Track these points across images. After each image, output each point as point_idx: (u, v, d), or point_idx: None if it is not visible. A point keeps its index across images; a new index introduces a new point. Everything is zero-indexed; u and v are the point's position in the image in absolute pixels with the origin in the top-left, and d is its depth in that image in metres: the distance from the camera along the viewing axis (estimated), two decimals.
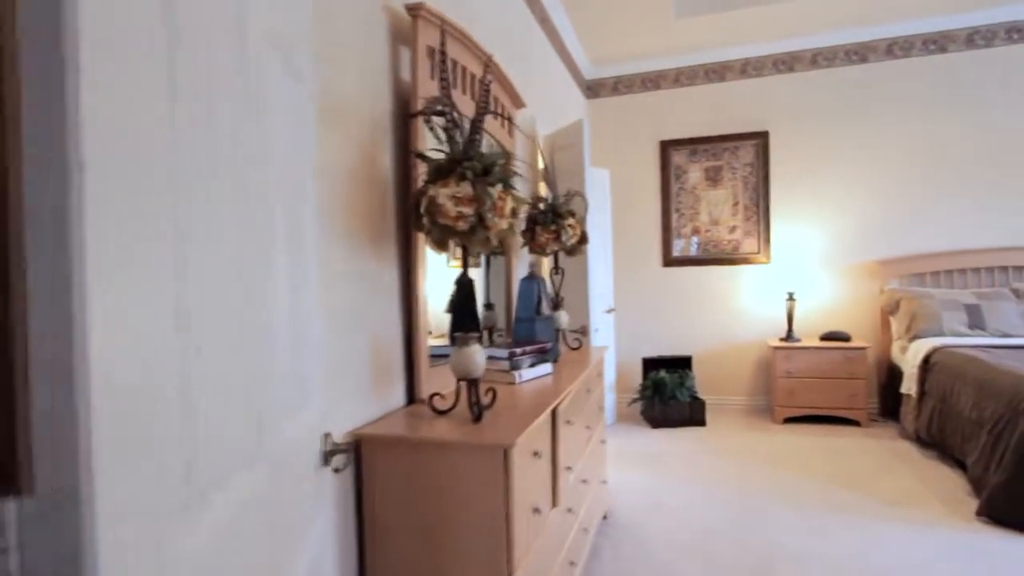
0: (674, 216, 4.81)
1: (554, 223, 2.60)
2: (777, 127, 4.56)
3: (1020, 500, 2.47)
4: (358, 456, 1.43)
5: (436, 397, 1.57)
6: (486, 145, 1.89)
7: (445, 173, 1.46)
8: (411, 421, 1.55)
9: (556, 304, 2.72)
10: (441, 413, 1.54)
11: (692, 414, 4.24)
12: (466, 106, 1.93)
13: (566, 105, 4.27)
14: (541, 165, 3.32)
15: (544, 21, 3.58)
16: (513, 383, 1.96)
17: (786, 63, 4.52)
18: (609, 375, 4.40)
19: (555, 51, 3.95)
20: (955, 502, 2.80)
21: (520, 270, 2.78)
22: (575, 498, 2.00)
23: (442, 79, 1.52)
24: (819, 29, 4.29)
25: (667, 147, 4.80)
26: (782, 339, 4.32)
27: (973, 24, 4.12)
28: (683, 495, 3.02)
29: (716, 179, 4.71)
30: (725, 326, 4.72)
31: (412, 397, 1.72)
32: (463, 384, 1.53)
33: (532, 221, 2.64)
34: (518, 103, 2.64)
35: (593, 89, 4.97)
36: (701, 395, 4.42)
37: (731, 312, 4.71)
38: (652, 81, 4.83)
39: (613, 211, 4.69)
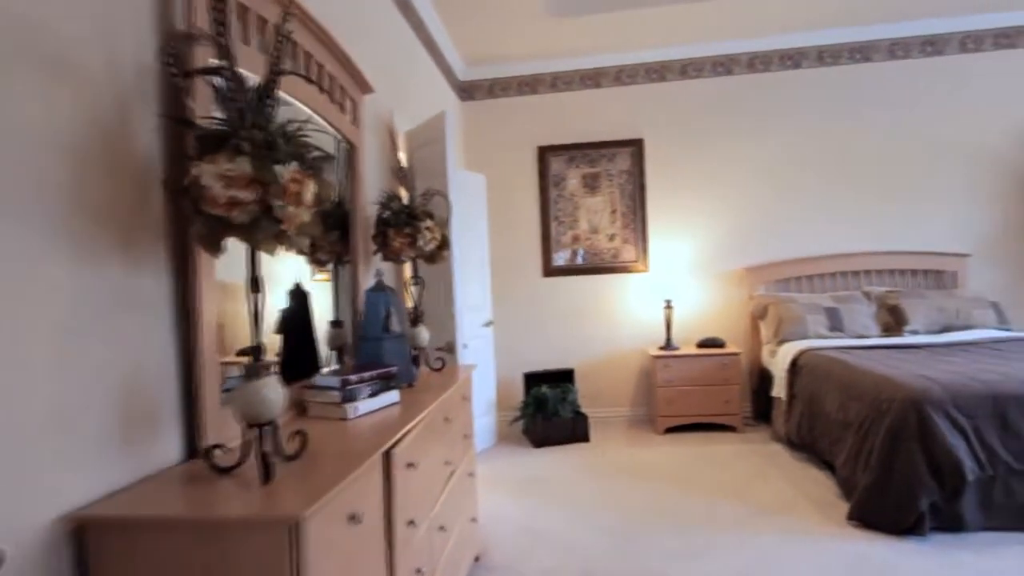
0: (554, 224, 4.65)
1: (409, 225, 2.26)
2: (651, 135, 4.56)
3: (887, 501, 2.46)
4: (82, 551, 0.99)
5: (217, 450, 1.16)
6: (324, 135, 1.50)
7: (214, 146, 1.07)
8: (176, 488, 1.12)
9: (415, 319, 2.37)
10: (223, 471, 1.14)
11: (575, 430, 4.05)
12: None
13: (439, 106, 3.96)
14: (404, 164, 2.98)
15: (406, 8, 3.26)
16: (346, 419, 1.58)
17: (657, 72, 4.53)
18: (488, 394, 4.11)
19: (423, 46, 3.64)
20: (828, 506, 2.79)
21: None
22: (427, 555, 1.65)
23: (218, 24, 1.14)
24: (687, 39, 4.34)
25: (545, 153, 4.64)
26: (661, 347, 4.27)
27: (821, 43, 4.35)
28: (564, 524, 2.77)
29: (594, 186, 4.62)
30: (607, 336, 4.62)
31: (194, 449, 1.29)
32: (256, 430, 1.13)
33: (383, 223, 2.29)
34: (364, 87, 2.28)
35: (468, 91, 4.72)
36: (584, 409, 4.25)
37: (612, 322, 4.61)
38: (529, 85, 4.66)
39: (491, 218, 4.44)
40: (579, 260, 4.64)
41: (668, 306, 4.29)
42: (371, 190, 2.39)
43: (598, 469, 3.52)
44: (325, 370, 1.95)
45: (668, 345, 4.26)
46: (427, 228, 2.28)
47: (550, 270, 4.65)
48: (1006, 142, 4.26)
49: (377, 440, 1.36)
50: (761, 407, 4.22)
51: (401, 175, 2.36)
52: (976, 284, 4.26)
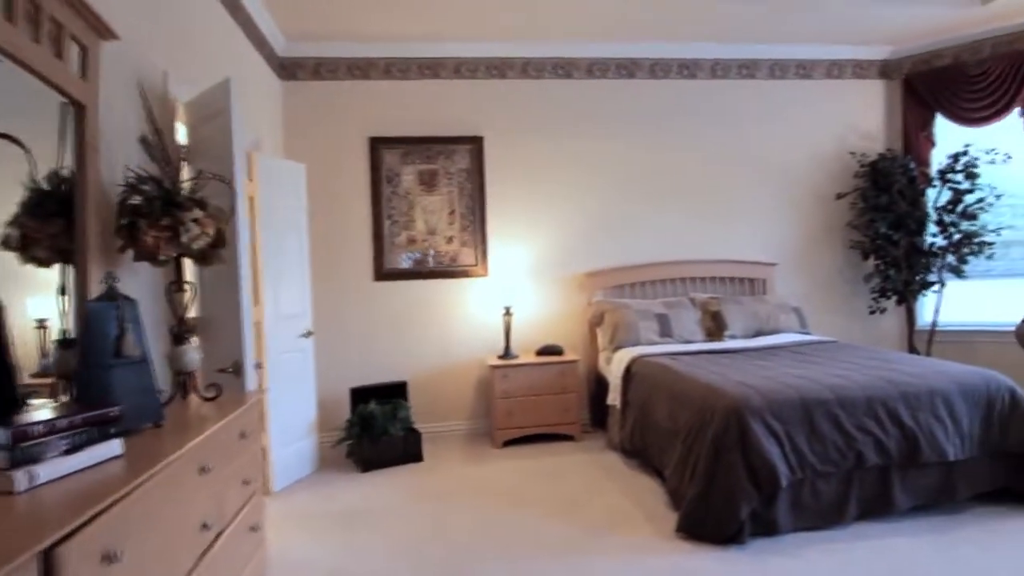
0: (387, 223, 4.25)
1: (168, 216, 1.75)
2: (491, 133, 4.35)
3: (713, 513, 2.44)
4: None
5: None
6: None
7: None
8: None
9: (180, 335, 1.86)
10: None
11: (407, 449, 3.69)
12: None
13: (247, 80, 3.38)
14: (184, 141, 2.41)
15: None
16: (13, 492, 1.07)
17: (498, 68, 4.34)
18: (307, 415, 3.60)
19: (223, 5, 3.05)
20: (658, 518, 2.73)
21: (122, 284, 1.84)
22: None
23: None
24: (529, 36, 4.20)
25: (378, 145, 4.23)
26: (500, 356, 4.07)
27: (654, 56, 4.47)
28: (382, 564, 2.41)
29: (432, 184, 4.30)
30: (444, 346, 4.32)
31: None
32: None
33: (133, 212, 1.75)
34: (102, 31, 1.72)
35: (289, 69, 4.14)
36: (418, 425, 3.90)
37: (450, 330, 4.32)
38: (360, 69, 4.21)
39: (313, 215, 3.92)
40: (415, 263, 4.29)
41: (507, 313, 4.10)
42: (116, 168, 1.83)
43: (429, 492, 3.19)
44: (35, 411, 1.38)
45: (507, 354, 4.07)
46: (195, 220, 1.78)
47: (382, 274, 4.24)
48: (807, 163, 4.71)
49: (35, 529, 0.90)
50: (599, 414, 4.20)
51: (151, 152, 1.83)
52: (782, 291, 4.64)
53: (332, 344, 4.14)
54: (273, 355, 3.28)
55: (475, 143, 4.31)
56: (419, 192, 4.28)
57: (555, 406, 3.97)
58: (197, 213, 1.79)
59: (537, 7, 3.72)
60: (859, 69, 4.74)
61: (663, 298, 4.34)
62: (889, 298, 4.50)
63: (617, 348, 3.92)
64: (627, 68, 4.48)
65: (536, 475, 3.40)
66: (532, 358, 4.05)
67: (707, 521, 2.45)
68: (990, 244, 4.22)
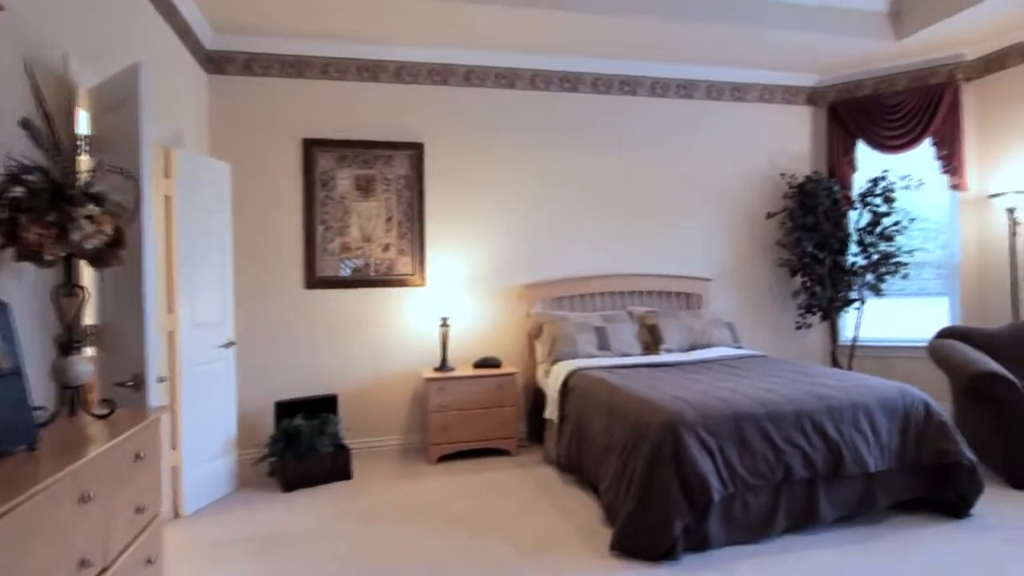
0: (320, 229, 4.06)
1: (55, 211, 1.56)
2: (432, 140, 4.26)
3: (648, 529, 2.41)
4: None
5: None
6: None
7: None
8: None
9: (68, 345, 1.66)
10: None
11: (335, 467, 3.50)
12: None
13: (167, 71, 3.16)
14: (88, 131, 2.20)
15: None
16: None
17: (440, 75, 4.26)
18: (226, 430, 3.36)
19: None
20: (593, 535, 2.68)
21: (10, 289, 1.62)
22: None
23: None
24: (472, 45, 4.15)
25: (312, 147, 4.05)
26: (436, 369, 3.95)
27: (596, 71, 4.51)
28: None
29: (368, 190, 4.15)
30: (378, 358, 4.16)
31: None
32: None
33: (12, 205, 1.55)
34: None
35: (217, 63, 3.92)
36: (348, 441, 3.72)
37: (385, 341, 4.17)
38: (294, 67, 4.03)
39: (237, 218, 3.70)
40: (349, 271, 4.12)
41: (445, 324, 3.99)
42: None
43: (357, 512, 3.03)
44: None
45: (443, 366, 3.95)
46: (88, 217, 1.60)
47: (314, 281, 4.04)
48: (740, 183, 4.86)
49: None
50: (537, 428, 4.13)
51: (47, 137, 1.64)
52: (716, 306, 4.75)
53: (257, 355, 3.91)
54: (188, 367, 3.04)
55: (415, 149, 4.20)
56: (355, 197, 4.13)
57: (492, 420, 3.88)
58: (92, 209, 1.61)
59: (481, 17, 3.67)
60: (789, 95, 4.95)
61: (602, 311, 4.35)
62: (815, 314, 4.69)
63: (556, 361, 3.88)
64: (570, 81, 4.50)
65: (470, 492, 3.29)
66: (469, 371, 3.95)
67: (641, 538, 2.42)
68: (905, 264, 4.47)
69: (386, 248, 4.17)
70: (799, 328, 4.79)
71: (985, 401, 3.14)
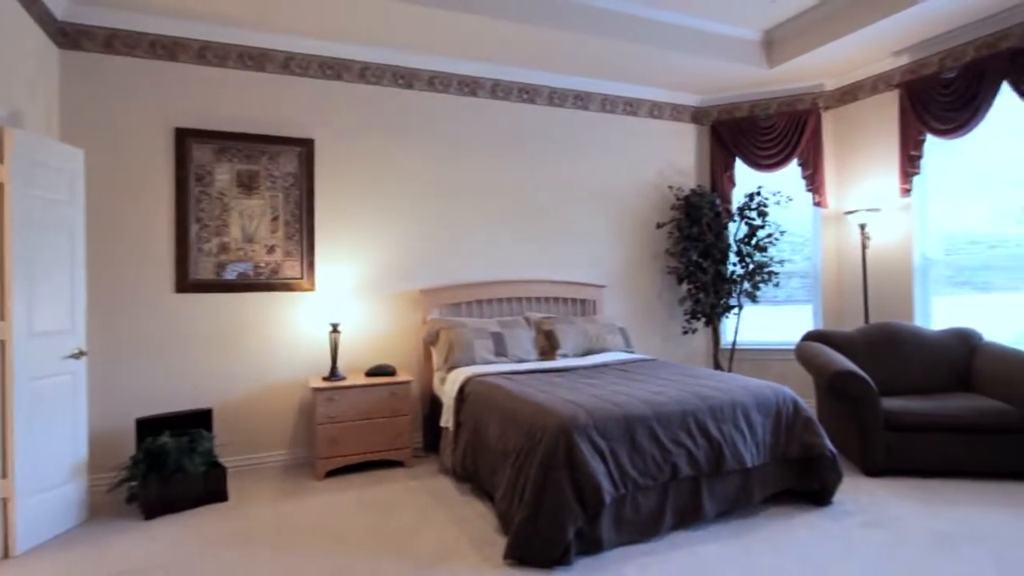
0: (195, 227, 3.71)
1: None
2: (324, 137, 4.04)
3: (541, 535, 2.38)
4: None
5: None
6: None
7: None
8: None
9: None
10: None
11: (208, 488, 3.18)
12: None
13: (5, 42, 2.74)
14: None
15: None
16: None
17: (333, 69, 4.06)
18: (76, 452, 2.94)
19: None
20: (487, 545, 2.62)
21: None
22: None
23: None
24: (368, 41, 3.99)
25: (186, 137, 3.69)
26: (325, 378, 3.73)
27: (495, 76, 4.51)
28: None
29: (252, 187, 3.85)
30: (261, 368, 3.85)
31: None
32: None
33: None
34: None
35: (72, 37, 3.47)
36: (224, 459, 3.41)
37: (269, 350, 3.87)
38: (167, 48, 3.66)
39: (94, 212, 3.30)
40: (228, 274, 3.79)
41: (335, 330, 3.78)
42: None
43: (233, 537, 2.75)
44: None
45: (333, 375, 3.73)
46: None
47: (186, 284, 3.68)
48: (632, 193, 5.06)
49: None
50: (433, 438, 4.02)
51: None
52: (609, 312, 4.90)
53: (115, 367, 3.48)
54: (23, 381, 2.63)
55: (305, 146, 3.97)
56: (236, 194, 3.81)
57: (385, 431, 3.72)
58: None
59: (378, 12, 3.54)
60: (676, 112, 5.23)
61: (499, 317, 4.33)
62: (699, 319, 4.96)
63: (452, 368, 3.80)
64: (469, 86, 4.46)
65: (361, 507, 3.11)
66: (361, 379, 3.76)
67: (535, 545, 2.39)
68: (776, 274, 4.85)
69: (271, 250, 3.89)
70: (685, 333, 5.05)
71: (843, 397, 3.45)
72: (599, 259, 4.93)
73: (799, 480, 3.03)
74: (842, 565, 2.39)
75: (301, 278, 3.95)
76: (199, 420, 3.45)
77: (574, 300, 4.72)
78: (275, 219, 3.90)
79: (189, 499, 3.12)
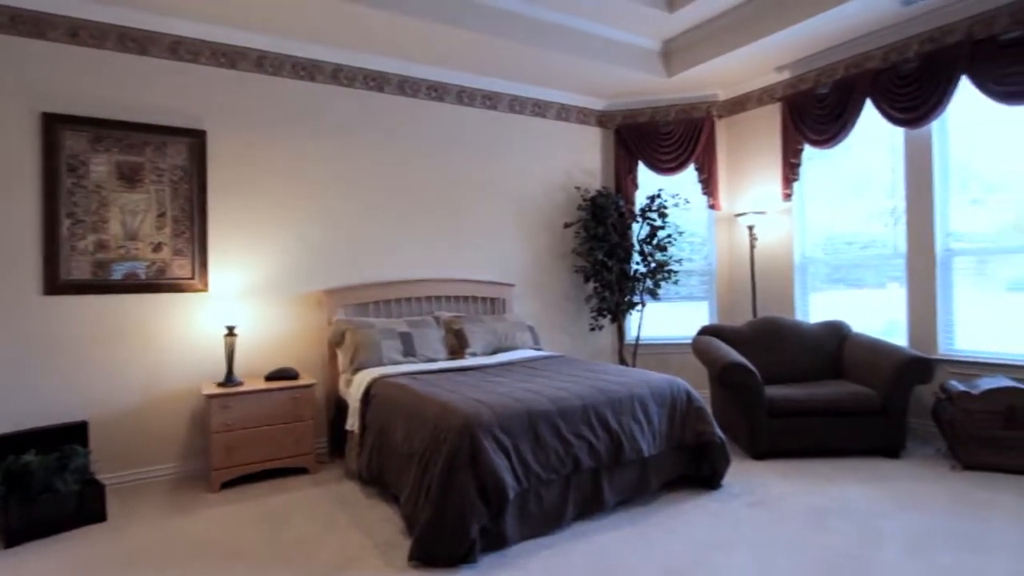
0: (67, 223, 3.38)
1: None
2: (218, 129, 3.81)
3: (445, 535, 2.37)
4: None
5: None
6: None
7: None
8: None
9: None
10: None
11: (83, 508, 2.91)
12: None
13: None
14: None
15: None
16: None
17: (227, 57, 3.84)
18: None
19: None
20: (392, 549, 2.58)
21: None
22: None
23: None
24: (265, 30, 3.80)
25: (56, 124, 3.36)
26: (220, 384, 3.52)
27: (402, 73, 4.44)
28: None
29: (135, 180, 3.57)
30: (146, 375, 3.58)
31: None
32: None
33: None
34: None
35: None
36: (102, 476, 3.14)
37: (156, 356, 3.60)
38: (30, 24, 3.31)
39: None
40: (112, 274, 3.48)
41: (231, 333, 3.57)
42: None
43: (109, 563, 2.53)
44: None
45: (229, 380, 3.53)
46: None
47: (58, 285, 3.34)
48: (540, 194, 5.15)
49: None
50: (339, 442, 3.90)
51: None
52: (518, 310, 4.97)
53: None
54: None
55: (196, 137, 3.72)
56: (116, 188, 3.51)
57: (287, 437, 3.57)
58: None
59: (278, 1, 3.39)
60: (582, 115, 5.38)
61: (408, 317, 4.27)
62: (605, 316, 5.14)
63: (358, 369, 3.71)
64: (376, 81, 4.37)
65: (259, 519, 2.97)
66: (261, 384, 3.58)
67: (439, 545, 2.38)
68: (676, 272, 5.12)
69: (158, 248, 3.62)
70: (592, 329, 5.21)
71: (732, 387, 3.70)
72: (509, 258, 4.98)
73: (693, 466, 3.21)
74: (729, 543, 2.56)
75: (192, 278, 3.70)
76: (72, 434, 3.15)
77: (484, 299, 4.74)
78: (162, 215, 3.63)
79: (60, 522, 2.84)
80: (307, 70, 4.11)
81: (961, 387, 3.46)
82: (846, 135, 4.38)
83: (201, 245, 3.72)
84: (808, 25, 3.97)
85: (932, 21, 3.88)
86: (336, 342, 3.92)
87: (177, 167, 3.68)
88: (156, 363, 3.60)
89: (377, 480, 3.21)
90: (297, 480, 3.54)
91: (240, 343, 3.83)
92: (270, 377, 3.68)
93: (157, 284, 3.60)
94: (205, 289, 3.73)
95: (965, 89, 3.75)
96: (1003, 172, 3.76)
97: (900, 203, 4.23)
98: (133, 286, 3.54)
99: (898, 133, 4.20)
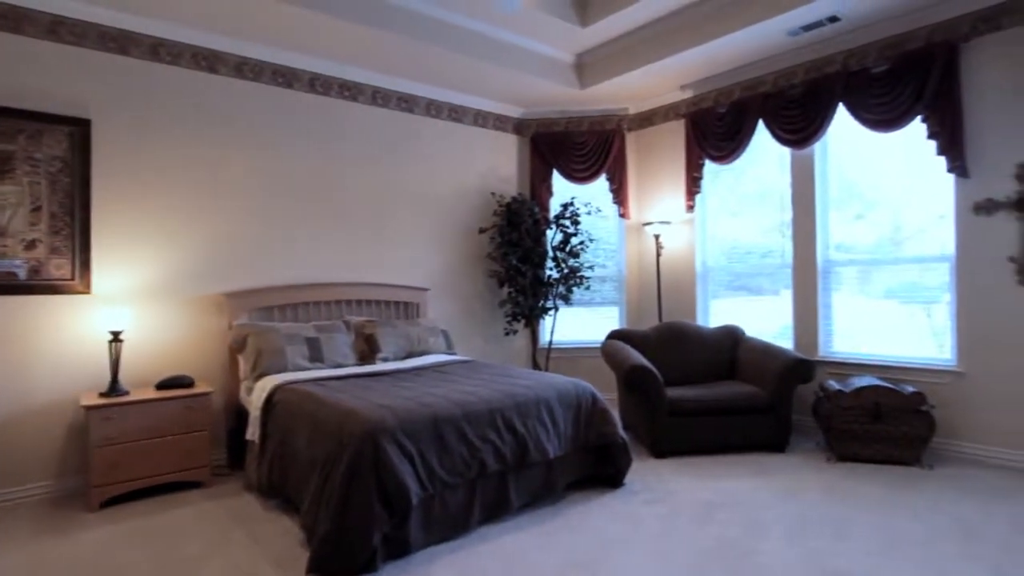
0: None
1: None
2: (104, 119, 3.54)
3: (345, 544, 2.32)
4: None
5: None
6: None
7: None
8: None
9: None
10: None
11: None
12: None
13: None
14: None
15: None
16: None
17: (116, 41, 3.58)
18: None
19: None
20: (291, 563, 2.48)
21: None
22: None
23: None
24: (159, 14, 3.57)
25: None
26: (103, 394, 3.26)
27: (313, 70, 4.32)
28: None
29: (5, 170, 3.24)
30: (15, 385, 3.25)
31: None
32: None
33: None
34: None
35: None
36: None
37: (26, 364, 3.28)
38: None
39: None
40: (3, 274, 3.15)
41: (116, 339, 3.32)
42: None
43: None
44: None
45: (114, 390, 3.28)
46: None
47: None
48: (456, 198, 5.16)
49: None
50: (239, 453, 3.71)
51: None
52: (433, 314, 4.94)
53: None
54: None
55: (78, 126, 3.43)
56: None
57: (179, 449, 3.35)
58: None
59: None
60: (499, 122, 5.45)
61: (317, 321, 4.14)
62: (519, 321, 5.21)
63: (261, 376, 3.55)
64: (285, 76, 4.21)
65: (143, 538, 2.77)
66: (151, 393, 3.35)
67: (339, 555, 2.32)
68: (587, 278, 5.28)
69: (31, 245, 3.30)
70: (507, 334, 5.27)
71: (636, 389, 3.86)
72: (424, 262, 4.95)
73: (597, 466, 3.32)
74: (628, 539, 2.66)
75: (72, 279, 3.41)
76: None
77: (398, 303, 4.68)
78: (37, 209, 3.32)
79: None
80: (208, 61, 3.90)
81: (837, 386, 3.79)
82: (742, 152, 4.70)
83: (83, 243, 3.43)
84: (707, 48, 4.24)
85: (815, 52, 4.25)
86: (237, 347, 3.74)
87: (56, 158, 3.38)
88: (26, 372, 3.28)
89: (278, 492, 3.08)
90: (190, 495, 3.33)
91: (130, 350, 3.56)
92: (161, 386, 3.45)
93: (30, 285, 3.28)
94: (87, 291, 3.44)
95: (846, 114, 4.12)
96: (881, 191, 4.16)
97: (789, 217, 4.58)
98: (4, 288, 3.21)
99: (787, 152, 4.55)
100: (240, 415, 3.72)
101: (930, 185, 3.88)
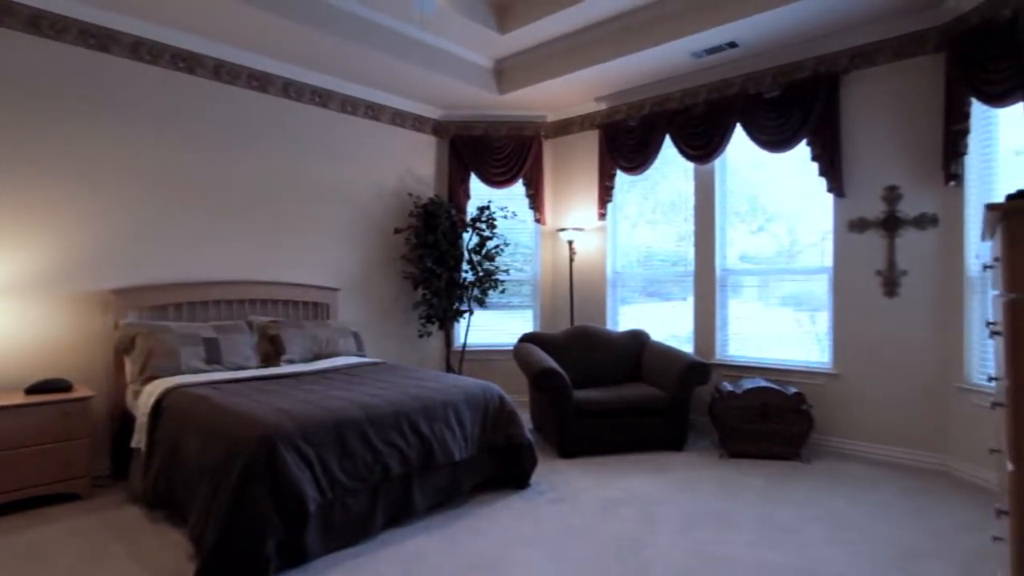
0: None
1: None
2: None
3: (235, 555, 2.22)
4: None
5: None
6: None
7: None
8: None
9: None
10: None
11: None
12: None
13: None
14: None
15: None
16: None
17: None
18: None
19: None
20: (177, 575, 2.34)
21: None
22: None
23: None
24: None
25: None
26: None
27: (220, 57, 4.11)
28: None
29: None
30: None
31: None
32: None
33: None
34: None
35: None
36: None
37: None
38: None
39: None
40: None
41: None
42: None
43: None
44: None
45: None
46: None
47: None
48: (371, 197, 5.06)
49: None
50: (124, 462, 3.46)
51: None
52: (344, 316, 4.82)
53: None
54: None
55: None
56: None
57: (53, 459, 3.07)
58: None
59: None
60: (417, 123, 5.41)
61: (216, 321, 3.93)
62: (434, 323, 5.18)
63: (150, 379, 3.32)
64: (187, 61, 3.98)
65: (6, 558, 2.51)
66: (18, 398, 3.05)
67: (228, 566, 2.21)
68: (502, 281, 5.33)
69: None
70: (421, 336, 5.23)
71: (545, 391, 3.94)
72: (335, 262, 4.82)
73: (503, 468, 3.36)
74: (530, 538, 2.72)
75: None
76: None
77: (307, 303, 4.53)
78: None
79: None
80: (98, 39, 3.61)
81: (730, 387, 4.05)
82: (651, 164, 4.92)
83: None
84: (619, 63, 4.41)
85: (717, 74, 4.53)
86: (124, 348, 3.48)
87: None
88: None
89: (166, 503, 2.90)
90: (66, 508, 3.06)
91: None
92: (32, 390, 3.15)
93: None
94: None
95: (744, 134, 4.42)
96: (780, 205, 4.48)
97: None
98: None
99: (691, 166, 4.82)
100: (126, 421, 3.46)
101: (818, 203, 4.24)
